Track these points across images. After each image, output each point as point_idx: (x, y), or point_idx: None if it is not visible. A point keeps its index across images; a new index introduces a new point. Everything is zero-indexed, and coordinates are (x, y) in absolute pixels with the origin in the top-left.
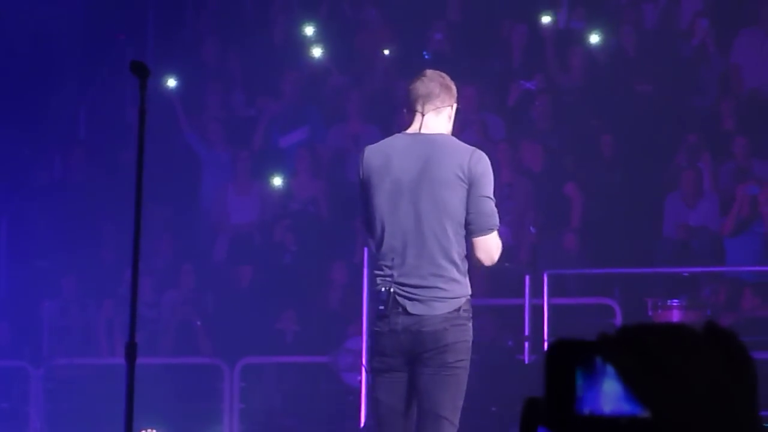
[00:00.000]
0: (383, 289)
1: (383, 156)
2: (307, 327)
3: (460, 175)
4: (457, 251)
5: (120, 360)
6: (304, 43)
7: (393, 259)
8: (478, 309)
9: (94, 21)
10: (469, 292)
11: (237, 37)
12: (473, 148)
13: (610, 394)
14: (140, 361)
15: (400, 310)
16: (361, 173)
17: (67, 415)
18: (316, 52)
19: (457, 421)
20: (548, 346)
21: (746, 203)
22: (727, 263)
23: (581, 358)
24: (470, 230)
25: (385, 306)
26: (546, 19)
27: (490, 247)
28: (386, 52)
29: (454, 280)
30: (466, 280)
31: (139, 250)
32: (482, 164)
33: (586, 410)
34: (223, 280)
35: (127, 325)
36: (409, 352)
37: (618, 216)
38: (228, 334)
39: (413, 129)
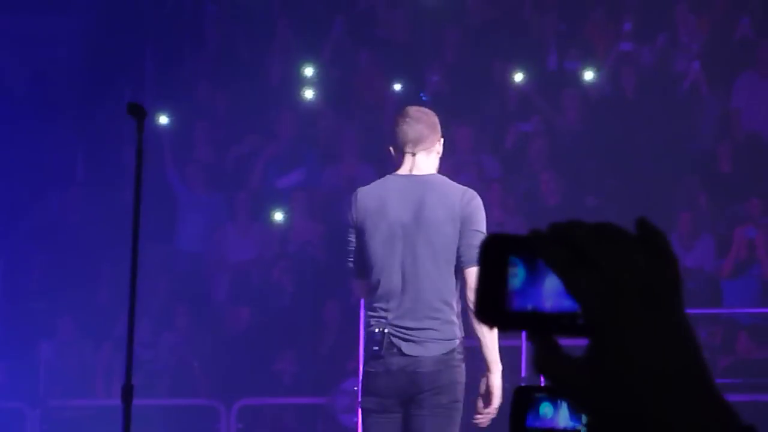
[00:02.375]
0: (377, 330)
1: (377, 199)
2: (304, 368)
3: (455, 216)
4: (452, 293)
5: (117, 401)
6: (300, 84)
7: (389, 302)
8: (474, 350)
9: (93, 62)
10: (462, 334)
11: (233, 78)
12: (465, 187)
13: (551, 291)
14: (137, 402)
15: (395, 350)
16: (354, 216)
17: None
18: (309, 94)
19: None
20: (482, 241)
21: (744, 246)
22: (724, 305)
23: (516, 251)
24: (461, 262)
25: (380, 346)
26: (539, 63)
27: None
28: (396, 87)
29: (448, 321)
30: (460, 322)
31: (136, 291)
32: (474, 203)
33: (529, 306)
34: (220, 321)
35: (124, 366)
36: (403, 393)
37: None
38: (225, 376)
39: (404, 170)
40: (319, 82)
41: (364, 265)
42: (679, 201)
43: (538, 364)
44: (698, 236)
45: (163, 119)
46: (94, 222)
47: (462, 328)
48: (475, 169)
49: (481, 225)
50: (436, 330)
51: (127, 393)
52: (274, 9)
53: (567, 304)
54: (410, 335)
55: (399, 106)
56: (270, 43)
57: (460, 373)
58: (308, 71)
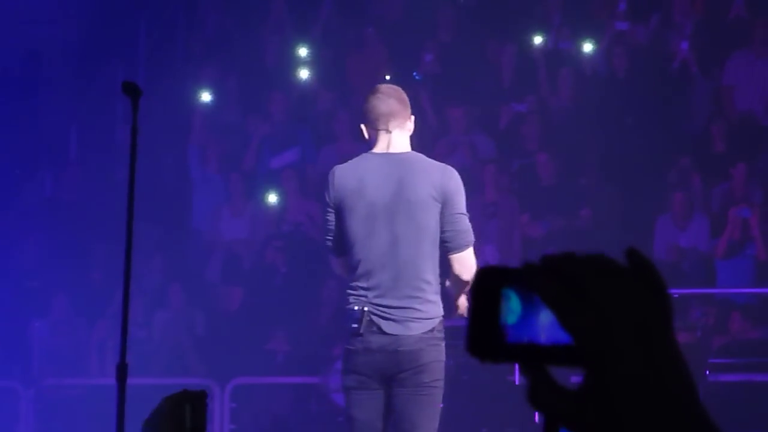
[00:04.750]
0: (356, 308)
1: (355, 178)
2: (297, 347)
3: (434, 194)
4: (432, 272)
5: (110, 380)
6: (294, 65)
7: (369, 280)
8: (456, 330)
9: (87, 41)
10: (442, 313)
11: (228, 58)
12: (444, 165)
13: (546, 323)
14: (131, 381)
15: (375, 329)
16: (332, 195)
17: None
18: (304, 74)
19: None
20: (475, 272)
21: (738, 226)
22: (718, 285)
23: (510, 284)
24: (447, 248)
25: (359, 324)
26: (536, 40)
27: (467, 261)
28: (387, 77)
29: (429, 301)
30: (440, 301)
31: (131, 269)
32: (454, 181)
33: (525, 339)
34: (213, 300)
35: (117, 345)
36: (384, 372)
37: (609, 237)
38: (219, 355)
39: (381, 148)
40: (313, 62)
41: (343, 244)
42: (673, 181)
43: (534, 398)
44: (692, 216)
45: (206, 96)
46: (87, 200)
47: (441, 306)
48: (469, 150)
49: (462, 206)
50: (416, 309)
51: (122, 372)
52: None
53: (562, 336)
54: (390, 314)
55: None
56: (264, 22)
57: (441, 351)
58: (302, 51)
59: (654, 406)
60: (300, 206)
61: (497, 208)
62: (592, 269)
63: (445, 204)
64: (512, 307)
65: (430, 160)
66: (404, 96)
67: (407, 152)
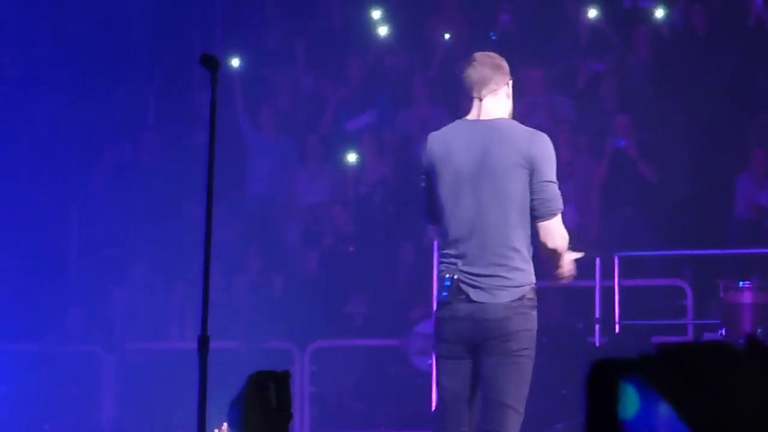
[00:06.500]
0: (447, 276)
1: (444, 145)
2: (376, 310)
3: (521, 161)
4: (521, 239)
5: (191, 344)
6: (369, 26)
7: (457, 248)
8: (547, 292)
9: (164, 7)
10: (533, 280)
11: (302, 21)
12: (532, 130)
13: (665, 416)
14: (211, 345)
15: (464, 297)
16: (424, 161)
17: (139, 399)
18: (382, 30)
19: (522, 410)
20: (590, 366)
21: None
22: None
23: (626, 376)
24: (534, 215)
25: (449, 292)
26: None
27: (553, 230)
28: (446, 36)
29: (517, 268)
30: (530, 268)
31: (211, 235)
32: (543, 147)
33: None
34: (292, 264)
35: (197, 309)
36: (470, 340)
37: (689, 196)
38: (298, 318)
39: (473, 115)
40: (388, 24)
41: (434, 210)
42: (752, 138)
43: None
44: None
45: (235, 62)
46: (166, 166)
47: (533, 273)
48: (547, 110)
49: (551, 173)
50: (503, 277)
51: (204, 345)
52: None
53: (682, 429)
54: (478, 282)
55: (468, 47)
56: None
57: (531, 320)
58: (376, 14)
59: None
60: (377, 169)
61: (572, 169)
62: (710, 359)
63: (533, 171)
64: (630, 400)
65: (520, 126)
66: (499, 61)
67: (496, 119)
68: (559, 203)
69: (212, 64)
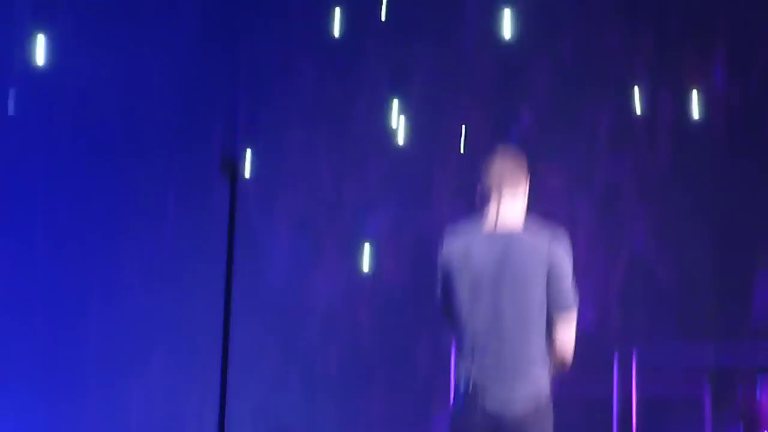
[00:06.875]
0: (463, 378)
1: (463, 244)
2: (392, 409)
3: (541, 268)
4: (539, 347)
5: None
6: (389, 129)
7: (473, 357)
8: (562, 402)
9: (183, 106)
10: (549, 389)
11: (323, 121)
12: (551, 233)
13: None
14: None
15: (478, 403)
16: (440, 260)
17: None
18: (398, 138)
19: None
20: None
21: None
22: None
23: None
24: (548, 309)
25: (464, 398)
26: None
27: (565, 326)
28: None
29: (536, 379)
30: (547, 376)
31: (229, 338)
32: (561, 248)
33: None
34: (309, 364)
35: (215, 413)
36: None
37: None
38: (315, 418)
39: (492, 212)
40: (407, 126)
41: (451, 313)
42: None
43: None
44: None
45: (252, 160)
46: (182, 261)
47: (549, 381)
48: (565, 210)
49: (567, 270)
50: (520, 390)
51: None
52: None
53: None
54: (493, 391)
55: (487, 148)
56: (360, 86)
57: (548, 415)
58: (395, 114)
59: None
60: (394, 271)
61: (590, 270)
62: None
63: (550, 269)
64: None
65: (539, 231)
66: (520, 158)
67: (516, 227)
68: (572, 298)
69: (232, 168)
